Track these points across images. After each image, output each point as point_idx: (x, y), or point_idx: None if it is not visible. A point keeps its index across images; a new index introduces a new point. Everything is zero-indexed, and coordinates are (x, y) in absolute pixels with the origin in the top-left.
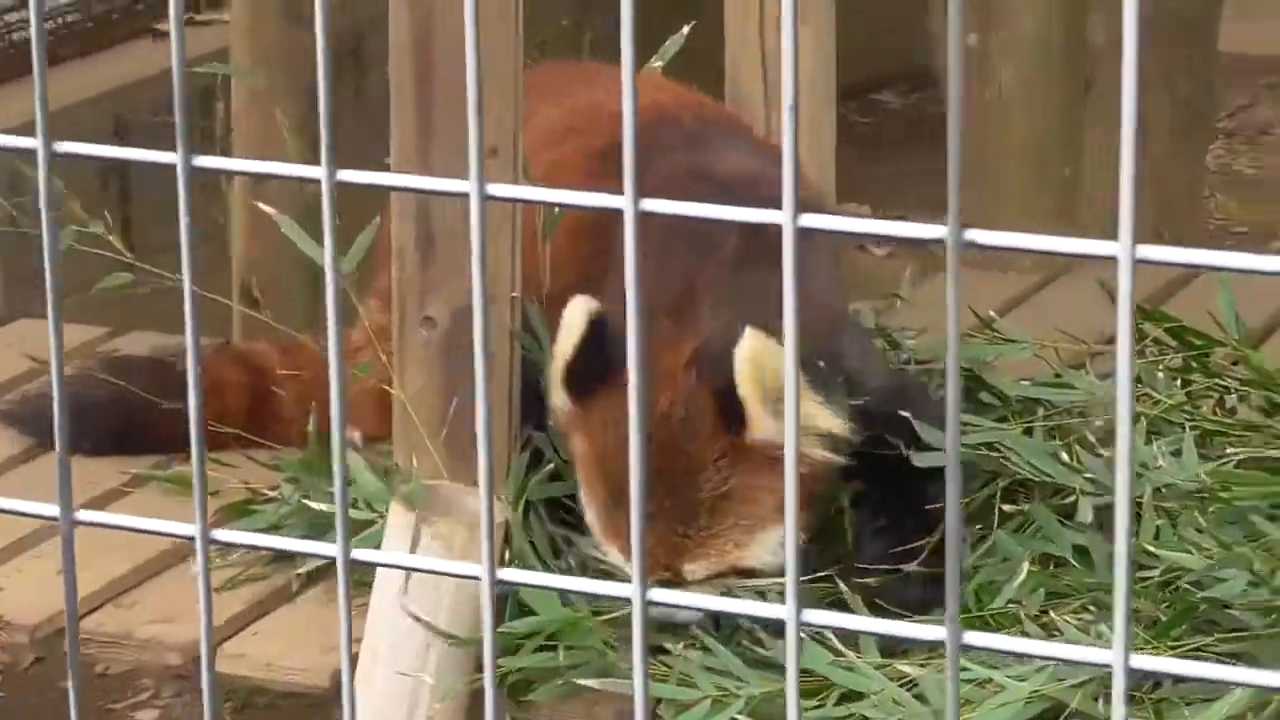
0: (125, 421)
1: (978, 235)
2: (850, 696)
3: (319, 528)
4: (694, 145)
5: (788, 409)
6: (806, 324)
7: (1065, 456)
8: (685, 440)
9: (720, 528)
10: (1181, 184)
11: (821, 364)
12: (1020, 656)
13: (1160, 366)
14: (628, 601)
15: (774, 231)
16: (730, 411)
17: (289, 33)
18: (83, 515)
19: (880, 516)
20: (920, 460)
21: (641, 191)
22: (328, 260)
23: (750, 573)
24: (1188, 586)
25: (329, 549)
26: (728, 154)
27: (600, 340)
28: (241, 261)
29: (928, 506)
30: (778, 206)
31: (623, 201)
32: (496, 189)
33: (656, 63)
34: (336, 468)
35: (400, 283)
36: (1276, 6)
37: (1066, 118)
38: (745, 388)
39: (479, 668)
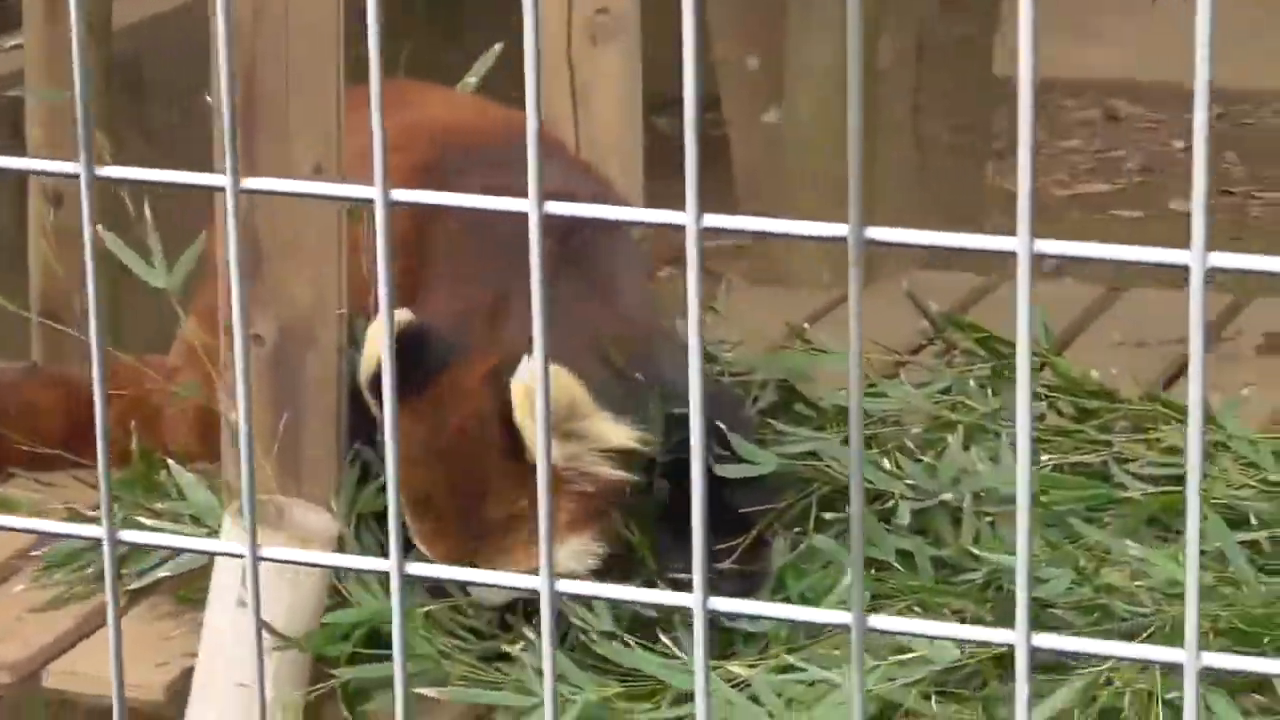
0: None
1: (877, 233)
2: (683, 699)
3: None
4: (500, 165)
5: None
6: (613, 338)
7: (885, 463)
8: (474, 461)
9: (511, 542)
10: (962, 204)
11: (628, 376)
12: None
13: (971, 376)
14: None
15: (583, 245)
16: (508, 431)
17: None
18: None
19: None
20: (725, 472)
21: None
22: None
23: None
24: (1010, 587)
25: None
26: (549, 165)
27: (411, 350)
28: (42, 276)
29: (741, 510)
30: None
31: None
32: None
33: (470, 79)
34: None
35: (225, 300)
36: (1047, 32)
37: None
38: (522, 418)
39: (318, 677)
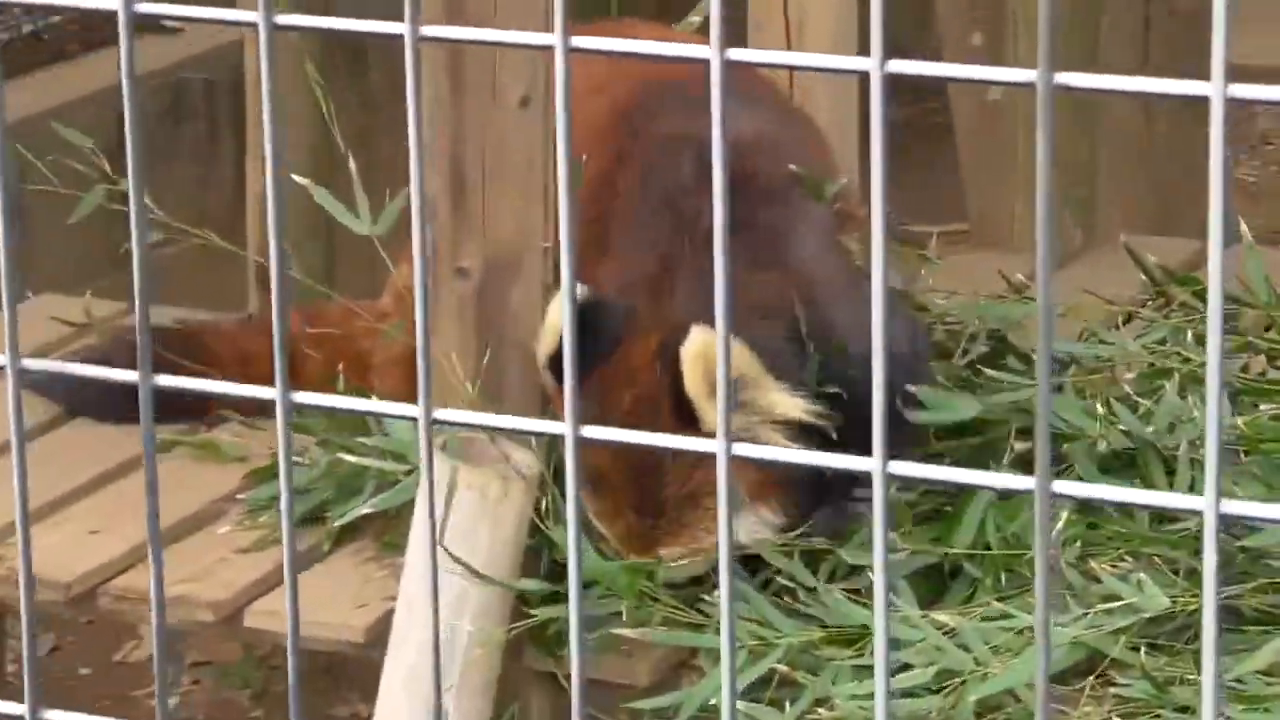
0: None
1: (1069, 79)
2: (892, 645)
3: (348, 488)
4: (695, 108)
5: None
6: (785, 304)
7: (1098, 408)
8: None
9: (690, 518)
10: (1184, 188)
11: (801, 343)
12: (1117, 505)
13: (1190, 329)
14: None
15: (753, 212)
16: (681, 404)
17: None
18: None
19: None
20: (918, 418)
21: (639, 153)
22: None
23: (739, 547)
24: (1225, 536)
25: (412, 409)
26: (736, 117)
27: (584, 325)
28: (259, 232)
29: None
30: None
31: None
32: (429, 30)
33: (693, 18)
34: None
35: (432, 234)
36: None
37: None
38: (693, 387)
39: (517, 616)
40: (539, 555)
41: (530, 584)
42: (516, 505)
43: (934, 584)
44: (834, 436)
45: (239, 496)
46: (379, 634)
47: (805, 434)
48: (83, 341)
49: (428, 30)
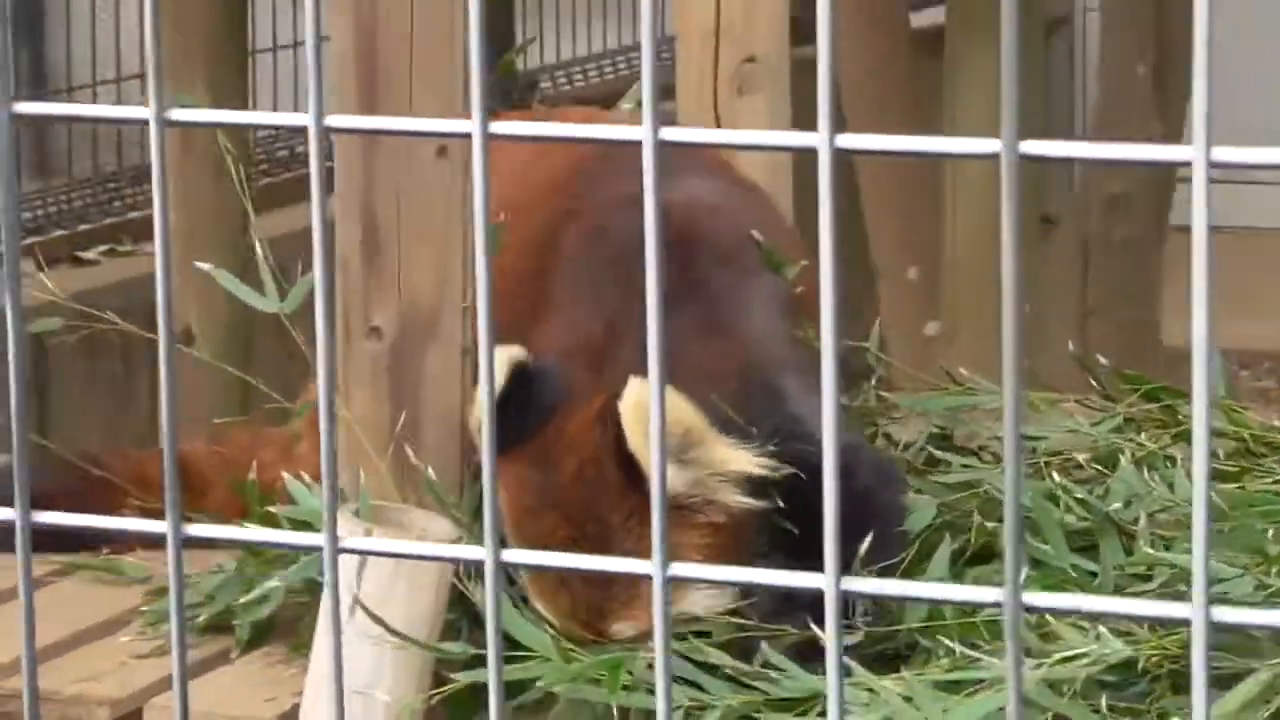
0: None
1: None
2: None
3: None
4: (636, 173)
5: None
6: (733, 371)
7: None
8: (592, 503)
9: (643, 586)
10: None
11: (747, 408)
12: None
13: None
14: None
15: (705, 278)
16: (626, 463)
17: None
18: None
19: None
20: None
21: (588, 212)
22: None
23: (692, 618)
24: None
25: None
26: (686, 182)
27: (524, 389)
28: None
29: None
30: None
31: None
32: (336, 120)
33: (625, 104)
34: None
35: (344, 292)
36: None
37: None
38: (635, 441)
39: (437, 682)
40: (462, 621)
41: (451, 646)
42: (434, 568)
43: (892, 660)
44: (782, 496)
45: (141, 609)
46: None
47: (758, 489)
48: None
49: (333, 121)
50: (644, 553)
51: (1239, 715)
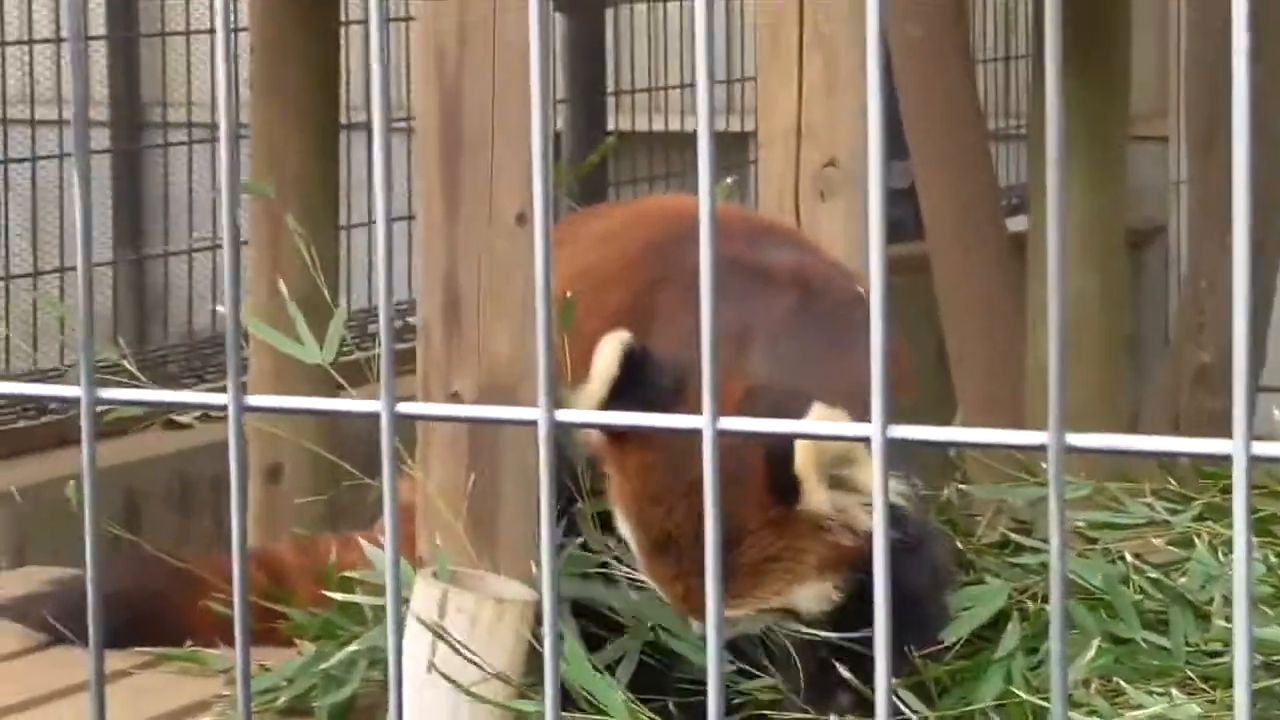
0: (139, 614)
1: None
2: None
3: (334, 679)
4: (737, 239)
5: None
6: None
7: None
8: (730, 502)
9: (761, 582)
10: None
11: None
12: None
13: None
14: None
15: (832, 296)
16: (780, 477)
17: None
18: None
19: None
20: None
21: (678, 276)
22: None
23: (794, 614)
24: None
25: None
26: (772, 249)
27: (637, 375)
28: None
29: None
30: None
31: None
32: (405, 407)
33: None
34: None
35: (425, 357)
36: None
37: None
38: (805, 463)
39: None
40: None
41: (527, 705)
42: (512, 628)
43: None
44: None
45: (222, 693)
46: None
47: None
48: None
49: (253, 400)
50: (772, 556)
51: None
